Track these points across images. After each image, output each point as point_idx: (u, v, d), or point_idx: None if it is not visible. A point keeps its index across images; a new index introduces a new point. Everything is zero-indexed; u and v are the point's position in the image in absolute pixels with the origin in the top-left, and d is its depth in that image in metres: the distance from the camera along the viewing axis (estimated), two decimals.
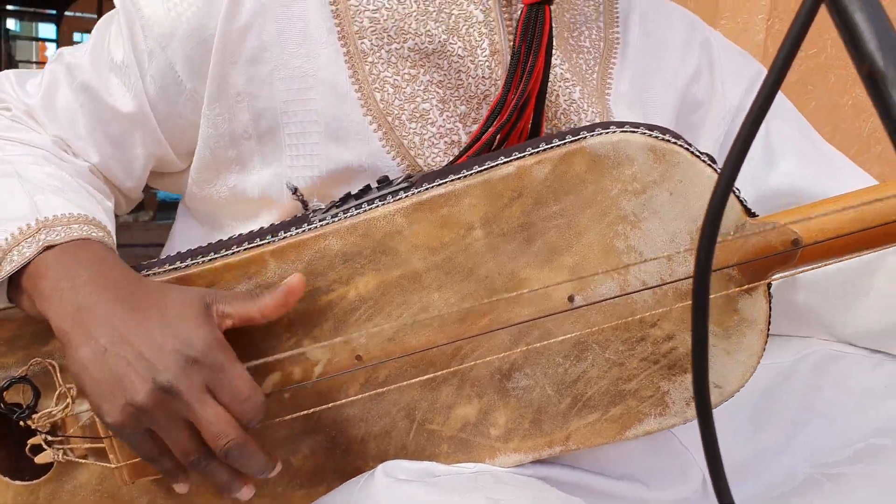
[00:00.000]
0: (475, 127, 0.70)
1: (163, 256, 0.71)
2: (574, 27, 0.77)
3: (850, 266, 0.73)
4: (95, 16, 11.24)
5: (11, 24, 15.21)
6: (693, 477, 0.72)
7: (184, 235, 0.80)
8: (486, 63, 0.70)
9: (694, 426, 0.66)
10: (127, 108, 0.72)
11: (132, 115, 0.72)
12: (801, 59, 1.71)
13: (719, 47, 0.82)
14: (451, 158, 0.69)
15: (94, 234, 0.64)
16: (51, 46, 15.71)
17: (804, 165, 0.78)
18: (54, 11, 14.12)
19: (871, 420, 0.74)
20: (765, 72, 0.78)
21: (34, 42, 16.36)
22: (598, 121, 0.73)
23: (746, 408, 0.77)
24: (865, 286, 0.75)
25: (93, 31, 0.75)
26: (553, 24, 0.68)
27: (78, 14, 14.08)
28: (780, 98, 0.85)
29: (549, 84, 0.70)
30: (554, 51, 0.71)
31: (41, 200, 0.65)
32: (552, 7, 0.68)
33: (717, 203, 0.41)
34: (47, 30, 15.85)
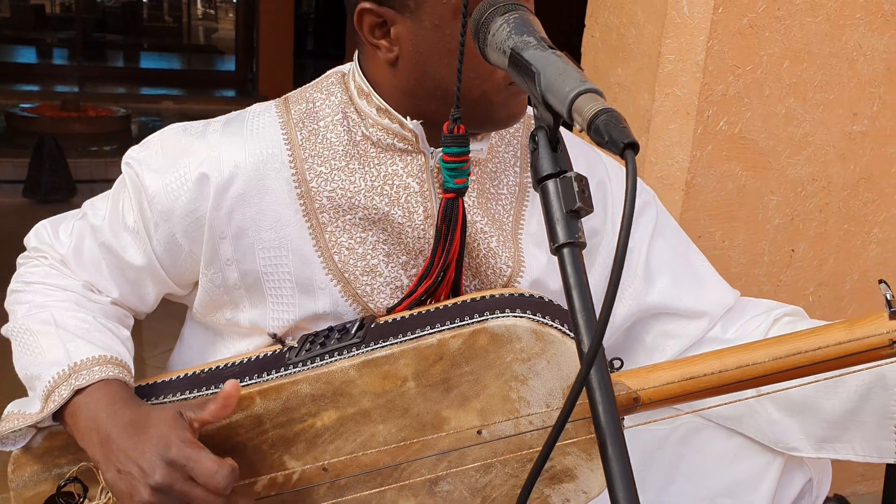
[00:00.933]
0: (415, 271, 0.91)
1: (173, 358, 0.94)
2: (495, 176, 0.96)
3: None
4: None
5: None
6: None
7: (192, 337, 1.02)
8: (421, 226, 0.91)
9: None
10: (139, 262, 0.93)
11: (143, 267, 0.93)
12: (739, 73, 1.88)
13: (612, 184, 1.01)
14: (395, 303, 0.90)
15: (111, 374, 0.86)
16: None
17: (676, 286, 0.99)
18: None
19: (720, 482, 0.98)
20: (651, 201, 0.99)
21: None
22: (510, 262, 0.94)
23: None
24: None
25: (110, 193, 0.95)
26: (475, 185, 0.89)
27: None
28: (666, 219, 1.06)
29: (471, 236, 0.91)
30: (475, 209, 0.91)
31: (72, 347, 0.86)
32: (472, 178, 0.88)
33: (583, 374, 0.59)
34: None
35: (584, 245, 0.55)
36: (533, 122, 1.01)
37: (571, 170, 0.57)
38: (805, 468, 1.00)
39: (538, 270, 0.95)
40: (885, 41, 2.00)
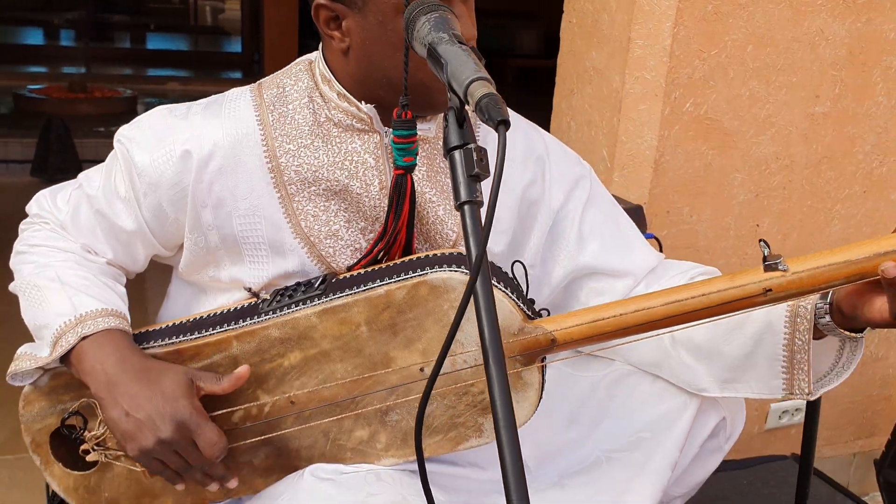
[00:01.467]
0: (372, 236, 1.06)
1: (161, 312, 1.09)
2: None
3: None
4: None
5: None
6: None
7: (178, 294, 1.17)
8: (377, 196, 1.05)
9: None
10: (130, 227, 1.08)
11: (134, 231, 1.08)
12: (704, 58, 2.01)
13: (550, 159, 1.16)
14: (354, 262, 1.05)
15: (113, 324, 1.01)
16: None
17: (605, 249, 1.14)
18: None
19: (643, 420, 1.13)
20: (587, 174, 1.13)
21: None
22: (456, 228, 1.08)
23: (563, 411, 1.16)
24: None
25: (104, 166, 1.10)
26: (425, 160, 1.03)
27: None
28: (600, 190, 1.20)
29: (421, 206, 1.05)
30: (425, 182, 1.06)
31: (77, 301, 1.02)
32: (425, 147, 1.03)
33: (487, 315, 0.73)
34: None
35: (480, 203, 0.69)
36: None
37: (474, 143, 0.71)
38: (719, 408, 1.14)
39: None
40: (846, 26, 2.13)
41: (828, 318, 0.97)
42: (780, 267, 0.90)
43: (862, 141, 2.26)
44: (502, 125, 0.64)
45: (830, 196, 2.29)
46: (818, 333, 1.00)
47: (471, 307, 0.91)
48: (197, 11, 12.65)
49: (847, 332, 0.97)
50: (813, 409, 1.45)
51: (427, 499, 0.76)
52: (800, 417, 2.49)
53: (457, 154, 0.70)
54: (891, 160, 2.31)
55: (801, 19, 2.07)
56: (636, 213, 1.81)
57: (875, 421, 2.60)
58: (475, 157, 0.69)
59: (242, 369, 0.97)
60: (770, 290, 0.89)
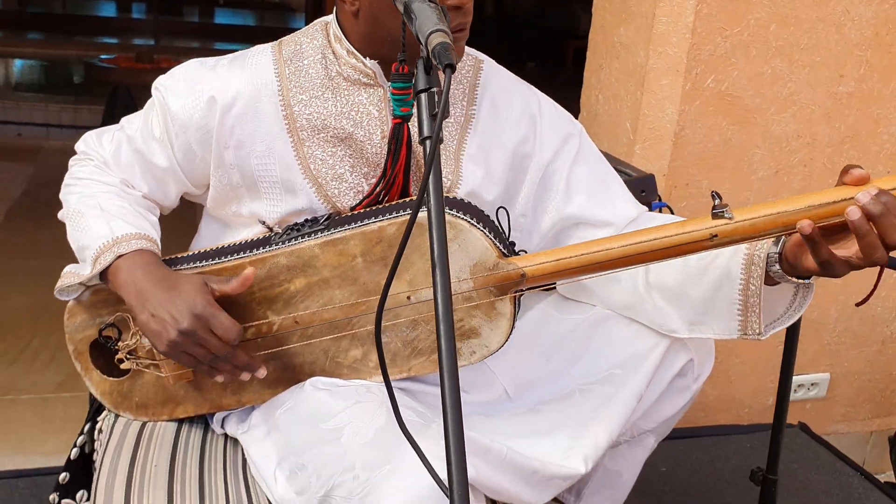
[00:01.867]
0: (373, 180, 1.20)
1: (192, 245, 1.25)
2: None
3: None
4: None
5: None
6: (496, 387, 1.26)
7: (207, 230, 1.33)
8: (379, 144, 1.19)
9: (498, 358, 1.19)
10: (163, 165, 1.24)
11: (167, 169, 1.24)
12: (727, 35, 2.09)
13: (542, 118, 1.28)
14: (356, 203, 1.19)
15: (145, 245, 1.17)
16: None
17: (590, 201, 1.26)
18: None
19: (617, 358, 1.24)
20: (576, 133, 1.25)
21: None
22: (450, 176, 1.21)
23: (544, 347, 1.29)
24: (618, 279, 1.24)
25: (142, 112, 1.26)
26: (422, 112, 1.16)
27: None
28: (589, 147, 1.32)
29: (418, 153, 1.18)
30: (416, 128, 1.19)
31: (114, 225, 1.18)
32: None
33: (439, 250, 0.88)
34: None
35: (441, 140, 0.82)
36: (482, 66, 1.28)
37: (439, 87, 0.83)
38: (688, 350, 1.25)
39: (473, 183, 1.22)
40: (872, 8, 2.18)
41: (777, 266, 1.07)
42: (725, 215, 1.00)
43: (887, 122, 2.31)
44: (448, 68, 0.77)
45: None
46: (771, 280, 1.10)
47: (452, 236, 1.04)
48: None
49: (795, 279, 1.07)
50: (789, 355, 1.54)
51: (392, 404, 0.89)
52: (815, 391, 2.56)
53: (423, 96, 0.83)
54: None
55: (825, 1, 2.13)
56: (648, 182, 1.90)
57: (893, 400, 2.65)
58: (436, 99, 0.82)
59: (248, 271, 1.11)
60: (716, 235, 1.00)
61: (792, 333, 1.59)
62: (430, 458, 0.86)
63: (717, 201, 1.02)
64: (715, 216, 1.01)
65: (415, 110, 1.11)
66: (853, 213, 0.94)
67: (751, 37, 2.12)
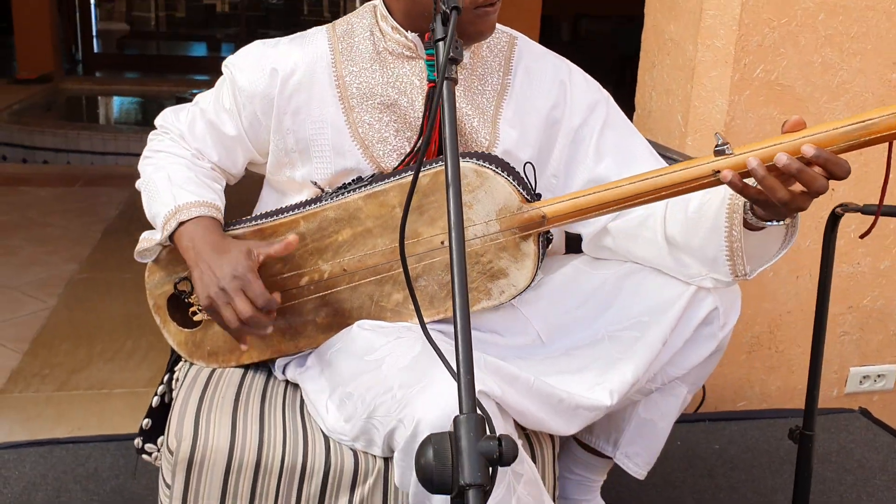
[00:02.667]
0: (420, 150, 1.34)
1: (255, 211, 1.41)
2: (482, 76, 1.38)
3: (628, 224, 1.33)
4: None
5: None
6: (530, 332, 1.37)
7: (267, 198, 1.50)
8: (419, 110, 1.34)
9: (532, 305, 1.31)
10: (233, 133, 1.41)
11: (235, 137, 1.42)
12: (774, 26, 2.18)
13: (571, 85, 1.41)
14: (399, 163, 1.34)
15: (204, 212, 1.34)
16: None
17: (617, 163, 1.37)
18: None
19: (643, 306, 1.35)
20: (603, 100, 1.38)
21: None
22: (487, 137, 1.35)
23: (577, 297, 1.40)
24: (638, 236, 1.35)
25: (214, 88, 1.44)
26: (462, 82, 1.31)
27: None
28: (616, 114, 1.44)
29: (458, 119, 1.32)
30: (461, 98, 1.33)
31: (177, 194, 1.35)
32: (460, 67, 1.30)
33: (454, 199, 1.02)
34: None
35: (456, 81, 0.96)
36: (517, 41, 1.42)
37: (456, 38, 0.98)
38: (714, 298, 1.34)
39: (509, 143, 1.36)
40: None
41: (750, 213, 1.17)
42: (726, 151, 1.11)
43: None
44: (455, 10, 0.92)
45: None
46: (755, 227, 1.20)
47: (479, 184, 1.18)
48: None
49: (769, 223, 1.17)
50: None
51: (421, 324, 1.00)
52: (882, 383, 2.57)
53: (440, 44, 0.97)
54: None
55: None
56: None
57: None
58: (455, 47, 0.96)
59: (291, 237, 1.27)
60: (718, 171, 1.11)
61: (824, 287, 1.64)
62: None
63: (719, 140, 1.12)
64: (717, 153, 1.11)
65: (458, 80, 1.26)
66: (780, 160, 1.05)
67: (799, 27, 2.20)
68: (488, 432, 0.77)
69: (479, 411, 0.78)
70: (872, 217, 1.33)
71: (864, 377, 2.55)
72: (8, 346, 3.16)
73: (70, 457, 1.91)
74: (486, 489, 0.74)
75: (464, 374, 0.81)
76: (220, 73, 1.45)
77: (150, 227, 1.42)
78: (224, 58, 1.46)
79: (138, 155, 1.51)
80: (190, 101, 1.50)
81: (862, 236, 1.32)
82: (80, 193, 5.26)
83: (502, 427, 1.15)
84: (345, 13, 1.59)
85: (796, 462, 1.57)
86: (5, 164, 6.48)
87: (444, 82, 0.95)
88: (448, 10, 0.93)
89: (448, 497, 0.76)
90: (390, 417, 1.14)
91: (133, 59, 11.72)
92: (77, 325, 3.35)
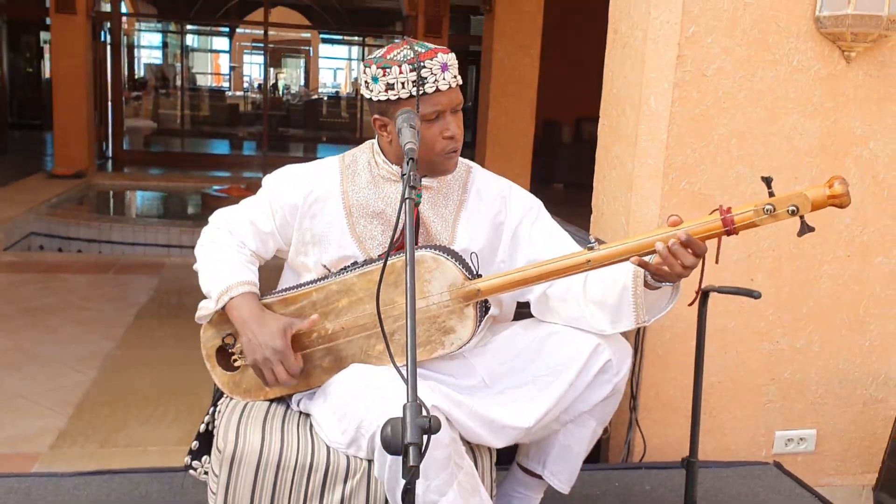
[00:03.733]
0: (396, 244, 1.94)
1: (279, 285, 2.00)
2: (446, 195, 1.98)
3: (558, 292, 1.90)
4: (262, 32, 13.17)
5: (190, 40, 17.28)
6: (476, 376, 1.93)
7: (286, 276, 2.08)
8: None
9: (478, 357, 1.89)
10: (267, 230, 2.01)
11: (269, 232, 2.01)
12: (696, 148, 2.78)
13: (510, 198, 2.01)
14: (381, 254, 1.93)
15: (248, 290, 1.92)
16: (223, 56, 17.80)
17: (547, 248, 1.93)
18: (227, 28, 16.08)
19: (557, 360, 1.90)
20: (535, 206, 1.98)
21: (209, 54, 18.45)
22: (447, 237, 1.94)
23: (512, 353, 1.96)
24: (567, 300, 1.91)
25: (257, 196, 2.04)
26: (430, 200, 1.91)
27: (247, 31, 15.99)
28: (545, 215, 2.03)
29: (425, 224, 1.92)
30: (429, 211, 1.93)
31: (228, 275, 1.93)
32: (425, 195, 1.90)
33: (411, 284, 1.60)
34: (221, 43, 17.98)
35: (417, 202, 1.54)
36: (472, 169, 2.03)
37: (415, 172, 1.57)
38: (608, 352, 1.89)
39: (464, 242, 1.94)
40: (816, 123, 2.84)
41: (649, 276, 1.75)
42: (593, 248, 1.70)
43: (841, 215, 2.91)
44: (411, 160, 1.53)
45: (817, 259, 2.94)
46: (655, 285, 1.76)
47: (435, 267, 1.76)
48: (363, 126, 14.40)
49: (661, 284, 1.74)
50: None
51: (395, 368, 1.55)
52: (804, 446, 3.07)
53: (405, 177, 1.57)
54: (870, 230, 2.94)
55: (775, 118, 2.81)
56: None
57: (880, 457, 3.11)
58: (412, 179, 1.56)
59: (315, 317, 1.85)
60: (590, 260, 1.70)
61: (700, 347, 2.19)
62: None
63: (592, 239, 1.71)
64: (588, 249, 1.71)
65: (428, 199, 1.88)
66: (658, 247, 1.64)
67: (716, 148, 2.80)
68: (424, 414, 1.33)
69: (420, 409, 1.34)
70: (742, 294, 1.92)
71: (788, 440, 3.06)
72: (56, 410, 3.72)
73: (127, 482, 2.46)
74: (420, 448, 1.29)
75: (410, 381, 1.36)
76: (241, 169, 2.05)
77: (173, 310, 2.03)
78: (246, 156, 2.06)
79: (164, 245, 2.15)
80: (213, 197, 2.11)
81: (690, 304, 1.91)
82: (114, 280, 5.89)
83: (449, 434, 1.69)
84: (361, 115, 2.18)
85: (686, 486, 2.09)
86: (44, 252, 7.16)
87: (406, 201, 1.54)
88: (406, 158, 1.54)
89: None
90: (371, 427, 1.69)
91: (159, 156, 12.60)
92: (115, 393, 3.92)
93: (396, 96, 1.83)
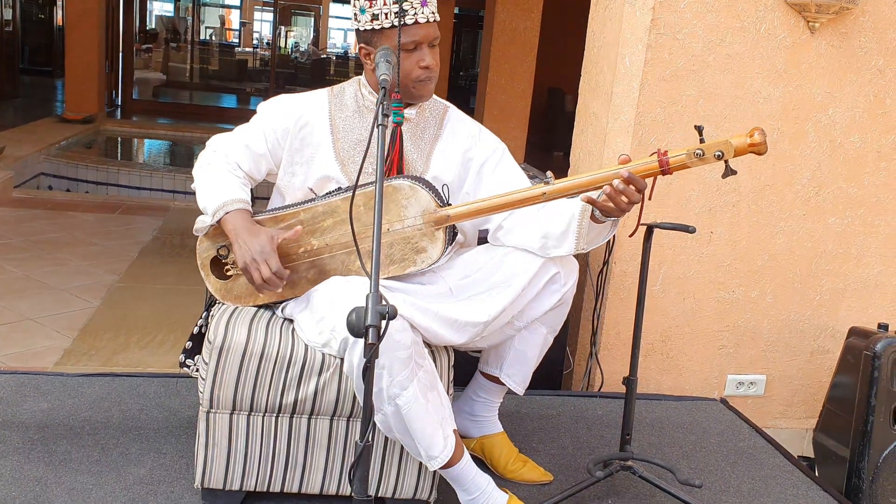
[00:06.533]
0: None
1: (268, 206, 2.23)
2: (423, 128, 2.21)
3: (512, 223, 2.13)
4: None
5: None
6: (443, 286, 2.17)
7: (275, 200, 2.31)
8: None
9: (445, 271, 2.13)
10: (261, 151, 2.23)
11: (262, 154, 2.24)
12: (665, 106, 2.98)
13: (479, 139, 2.23)
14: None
15: (241, 206, 2.15)
16: (234, 12, 17.86)
17: (506, 184, 2.16)
18: None
19: (514, 271, 2.13)
20: (500, 148, 2.21)
21: (221, 8, 18.50)
22: (421, 165, 2.16)
23: (473, 268, 2.19)
24: (515, 230, 2.14)
25: (251, 121, 2.25)
26: (410, 130, 2.14)
27: None
28: (508, 156, 2.25)
29: (402, 151, 2.14)
30: (409, 140, 2.15)
31: (224, 192, 2.16)
32: (405, 127, 2.13)
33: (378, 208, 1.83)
34: None
35: (385, 125, 1.76)
36: (448, 108, 2.25)
37: (389, 98, 1.78)
38: (556, 265, 2.14)
39: (437, 171, 2.17)
40: (780, 89, 3.05)
41: (596, 211, 1.97)
42: (549, 182, 1.92)
43: (799, 174, 3.13)
44: (382, 89, 1.75)
45: (774, 216, 3.16)
46: (600, 220, 2.00)
47: (411, 194, 1.99)
48: None
49: (608, 218, 1.97)
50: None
51: (364, 270, 1.79)
52: (754, 390, 3.31)
53: (380, 105, 1.79)
54: (825, 191, 3.16)
55: (741, 82, 3.02)
56: None
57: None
58: (386, 106, 1.78)
59: (298, 228, 2.07)
60: (545, 193, 1.93)
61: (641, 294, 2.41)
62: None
63: (547, 175, 1.94)
64: (544, 183, 1.93)
65: (407, 130, 2.10)
66: (613, 184, 1.88)
67: (683, 108, 3.02)
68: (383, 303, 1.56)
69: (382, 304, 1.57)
70: (676, 229, 2.15)
71: (739, 383, 3.30)
72: (62, 332, 3.96)
73: (127, 383, 2.70)
74: (379, 330, 1.51)
75: (373, 277, 1.59)
76: (246, 122, 2.25)
77: (175, 250, 2.23)
78: (252, 110, 2.28)
79: (169, 191, 2.37)
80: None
81: (631, 235, 2.15)
82: (119, 220, 6.13)
83: (411, 337, 1.93)
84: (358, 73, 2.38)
85: (625, 400, 2.34)
86: (53, 192, 7.39)
87: (378, 128, 1.76)
88: (382, 88, 1.76)
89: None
90: (342, 330, 1.92)
91: (167, 107, 12.80)
92: (117, 320, 4.16)
93: (380, 25, 2.06)
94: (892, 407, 2.76)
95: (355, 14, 2.10)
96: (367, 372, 1.53)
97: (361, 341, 1.60)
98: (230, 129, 2.29)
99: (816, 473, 2.92)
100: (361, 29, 2.10)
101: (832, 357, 3.30)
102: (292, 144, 2.20)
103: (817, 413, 3.35)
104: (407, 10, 2.03)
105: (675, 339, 3.22)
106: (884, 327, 2.87)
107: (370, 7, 2.05)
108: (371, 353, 1.49)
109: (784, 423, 3.38)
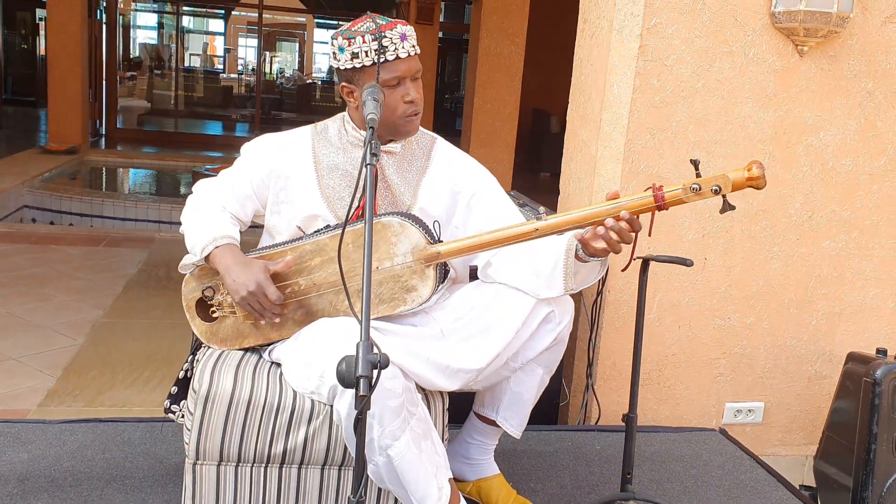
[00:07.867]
0: (362, 201, 2.10)
1: (259, 246, 2.17)
2: (410, 161, 2.15)
3: (501, 260, 2.07)
4: (257, 15, 13.29)
5: (186, 21, 17.34)
6: (435, 328, 2.10)
7: (264, 240, 2.25)
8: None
9: (437, 311, 2.07)
10: (247, 192, 2.18)
11: (248, 195, 2.18)
12: (654, 133, 2.95)
13: (468, 172, 2.17)
14: (350, 214, 2.09)
15: (230, 241, 2.09)
16: (219, 39, 17.88)
17: (496, 219, 2.11)
18: (223, 11, 16.13)
19: (506, 312, 2.07)
20: (488, 178, 2.15)
21: (205, 35, 18.49)
22: (409, 200, 2.11)
23: (466, 307, 2.12)
24: (504, 267, 2.09)
25: (235, 163, 2.20)
26: (395, 164, 2.08)
27: (242, 14, 16.07)
28: (498, 189, 2.20)
29: (391, 186, 2.09)
30: (394, 175, 2.10)
31: (214, 229, 2.10)
32: (392, 160, 2.07)
33: (369, 240, 1.77)
34: (216, 25, 18.05)
35: (373, 165, 1.70)
36: (435, 140, 2.20)
37: (377, 138, 1.73)
38: (549, 305, 2.07)
39: (424, 204, 2.11)
40: (770, 113, 3.02)
41: (581, 251, 1.92)
42: (541, 218, 1.87)
43: (791, 199, 3.09)
44: (370, 128, 1.69)
45: (767, 241, 3.12)
46: (585, 259, 1.94)
47: (400, 231, 1.93)
48: None
49: (592, 258, 1.91)
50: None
51: (353, 313, 1.73)
52: (752, 417, 3.26)
53: (368, 145, 1.73)
54: (818, 215, 3.12)
55: (731, 108, 2.98)
56: None
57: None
58: (374, 146, 1.72)
59: (289, 258, 2.01)
60: (538, 229, 1.87)
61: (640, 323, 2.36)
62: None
63: (543, 212, 1.88)
64: (537, 219, 1.87)
65: (393, 162, 2.04)
66: (608, 223, 1.82)
67: (673, 134, 2.97)
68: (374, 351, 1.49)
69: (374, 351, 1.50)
70: (669, 262, 2.08)
71: (738, 411, 3.24)
72: (45, 372, 3.87)
73: (111, 429, 2.62)
74: (371, 380, 1.45)
75: (364, 322, 1.53)
76: (233, 150, 2.21)
77: (161, 282, 2.16)
78: (238, 137, 2.23)
79: (155, 221, 2.30)
80: (204, 176, 2.27)
81: (623, 269, 2.08)
82: (104, 252, 6.04)
83: (403, 384, 1.86)
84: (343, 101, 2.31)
85: (625, 438, 2.27)
86: (37, 225, 7.30)
87: (367, 167, 1.71)
88: (370, 128, 1.70)
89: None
90: (332, 378, 1.85)
91: (152, 135, 12.72)
92: (102, 357, 4.08)
93: (361, 64, 2.01)
94: (893, 435, 2.71)
95: (334, 53, 2.05)
96: (360, 424, 1.47)
97: (351, 390, 1.53)
98: (216, 157, 2.24)
99: (819, 502, 2.86)
100: (342, 68, 2.05)
101: (830, 382, 3.25)
102: (277, 183, 2.15)
103: (816, 439, 3.29)
104: (387, 47, 1.98)
105: (672, 368, 3.17)
106: (882, 352, 2.82)
107: (349, 46, 2.01)
108: (363, 406, 1.42)
109: (783, 451, 3.32)
